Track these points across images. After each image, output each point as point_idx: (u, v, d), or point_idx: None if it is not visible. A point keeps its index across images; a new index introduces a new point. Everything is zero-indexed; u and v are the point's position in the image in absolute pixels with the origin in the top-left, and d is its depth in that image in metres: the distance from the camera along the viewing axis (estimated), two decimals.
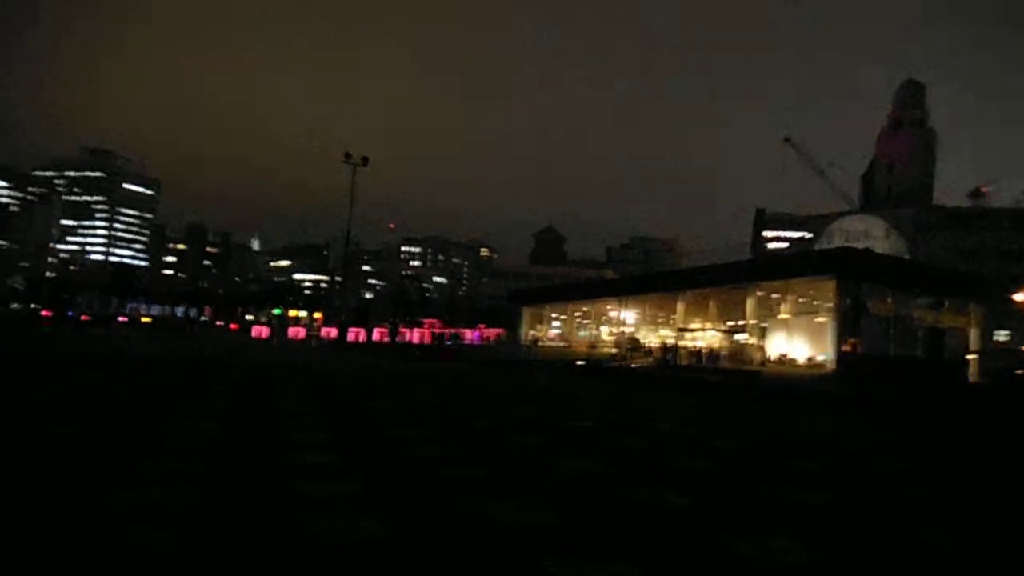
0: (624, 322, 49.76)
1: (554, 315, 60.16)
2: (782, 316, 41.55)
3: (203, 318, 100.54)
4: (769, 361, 38.06)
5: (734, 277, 38.89)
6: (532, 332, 57.83)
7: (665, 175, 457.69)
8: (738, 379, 27.79)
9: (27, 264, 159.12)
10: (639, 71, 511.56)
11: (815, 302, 40.54)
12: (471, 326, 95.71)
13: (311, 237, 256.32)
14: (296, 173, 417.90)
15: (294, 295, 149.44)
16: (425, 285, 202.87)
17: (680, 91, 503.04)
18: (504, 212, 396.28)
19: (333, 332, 55.35)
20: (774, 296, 40.64)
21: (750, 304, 38.37)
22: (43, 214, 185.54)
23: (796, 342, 40.52)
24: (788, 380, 28.11)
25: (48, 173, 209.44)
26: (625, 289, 45.11)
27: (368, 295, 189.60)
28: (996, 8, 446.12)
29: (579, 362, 34.70)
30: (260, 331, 49.90)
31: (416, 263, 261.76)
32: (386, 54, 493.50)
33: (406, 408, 11.40)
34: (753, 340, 40.81)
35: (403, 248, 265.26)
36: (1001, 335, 62.46)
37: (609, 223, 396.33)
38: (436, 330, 60.49)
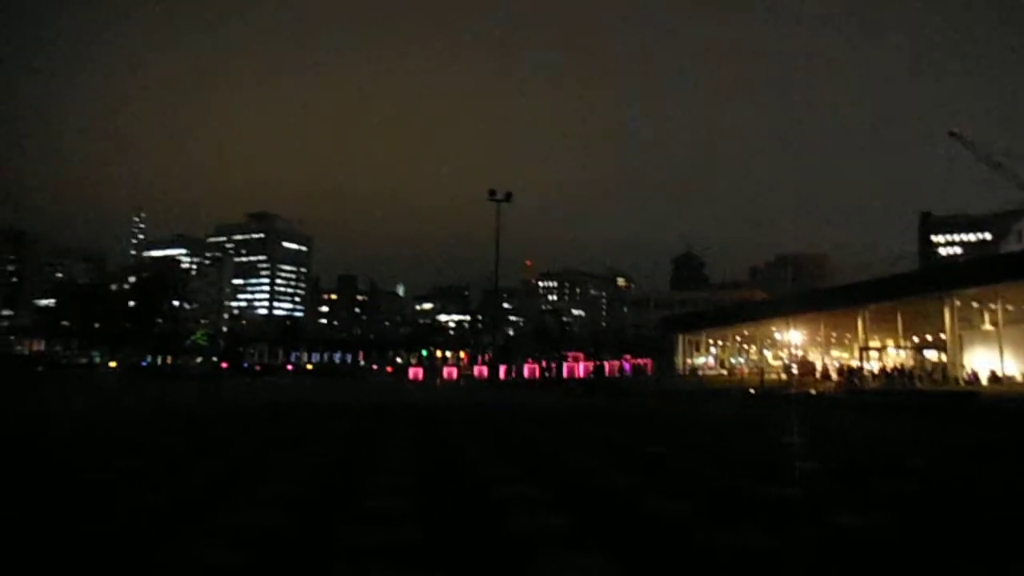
0: (792, 344, 45.76)
1: (711, 341, 56.74)
2: (986, 327, 36.22)
3: (361, 363, 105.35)
4: (968, 381, 33.13)
5: (924, 286, 34.40)
6: (690, 360, 54.74)
7: (811, 186, 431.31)
8: (947, 401, 24.10)
9: (206, 321, 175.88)
10: (773, 78, 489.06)
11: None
12: (616, 357, 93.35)
13: (453, 279, 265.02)
14: (436, 217, 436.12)
15: (440, 336, 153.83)
16: (564, 319, 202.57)
17: (822, 86, 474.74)
18: (639, 240, 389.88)
19: (484, 371, 55.43)
20: (974, 305, 35.51)
21: (948, 316, 33.68)
22: (217, 276, 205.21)
23: (1007, 357, 35.08)
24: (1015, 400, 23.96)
25: (219, 238, 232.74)
26: (794, 307, 41.29)
27: (510, 331, 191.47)
28: None
29: (751, 390, 31.86)
30: (416, 373, 50.81)
31: (553, 297, 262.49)
32: (511, 92, 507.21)
33: (627, 461, 10.02)
34: (945, 357, 35.92)
35: (540, 284, 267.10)
36: None
37: (750, 243, 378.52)
38: (588, 363, 58.84)
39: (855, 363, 41.94)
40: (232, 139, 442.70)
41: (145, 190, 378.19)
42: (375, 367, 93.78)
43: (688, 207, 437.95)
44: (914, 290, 34.98)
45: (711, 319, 56.43)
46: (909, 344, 37.90)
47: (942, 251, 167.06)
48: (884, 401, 25.25)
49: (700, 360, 56.58)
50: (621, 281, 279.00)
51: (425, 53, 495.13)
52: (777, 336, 48.58)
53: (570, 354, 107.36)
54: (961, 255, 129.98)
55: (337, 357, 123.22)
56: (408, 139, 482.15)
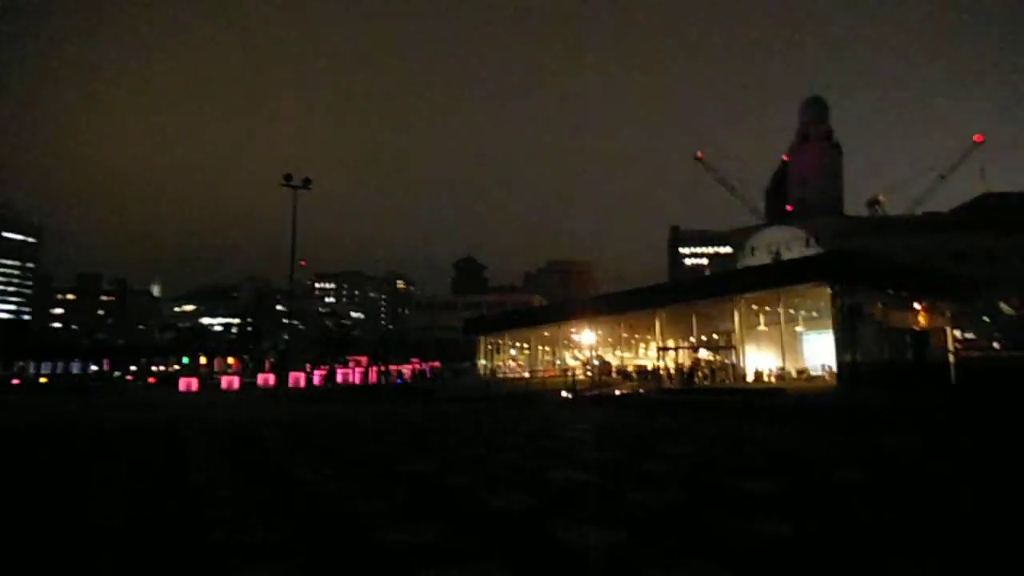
0: (593, 346, 47.09)
1: (513, 342, 56.80)
2: (760, 328, 39.89)
3: (116, 373, 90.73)
4: (743, 378, 36.31)
5: (717, 289, 37.04)
6: (488, 362, 54.18)
7: (578, 199, 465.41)
8: (763, 399, 25.43)
9: None
10: (546, 96, 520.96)
11: (792, 311, 39.11)
12: (405, 361, 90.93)
13: (217, 279, 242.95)
14: (197, 213, 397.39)
15: (205, 341, 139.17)
16: (344, 321, 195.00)
17: (589, 113, 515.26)
18: (418, 244, 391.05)
19: (271, 379, 49.90)
20: (753, 307, 38.94)
21: (736, 317, 36.48)
22: None
23: (768, 355, 39.08)
24: (805, 395, 26.08)
25: None
26: (594, 309, 42.39)
27: (284, 336, 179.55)
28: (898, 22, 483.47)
29: (564, 393, 31.50)
30: (189, 383, 43.95)
31: (330, 299, 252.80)
32: (285, 80, 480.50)
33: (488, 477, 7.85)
34: (734, 356, 39.12)
35: (316, 284, 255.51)
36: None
37: (525, 249, 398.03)
38: (384, 367, 55.84)
39: (650, 364, 44.17)
40: None
41: None
42: (130, 378, 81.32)
43: (463, 214, 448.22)
44: (707, 293, 37.55)
45: (513, 321, 56.64)
46: (704, 344, 40.54)
47: (687, 262, 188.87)
48: (710, 400, 25.85)
49: (501, 363, 56.44)
50: (400, 284, 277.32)
51: (201, 32, 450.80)
52: (575, 337, 49.74)
53: (353, 358, 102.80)
54: (706, 266, 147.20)
55: (76, 367, 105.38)
56: (170, 122, 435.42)
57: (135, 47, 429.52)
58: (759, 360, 38.91)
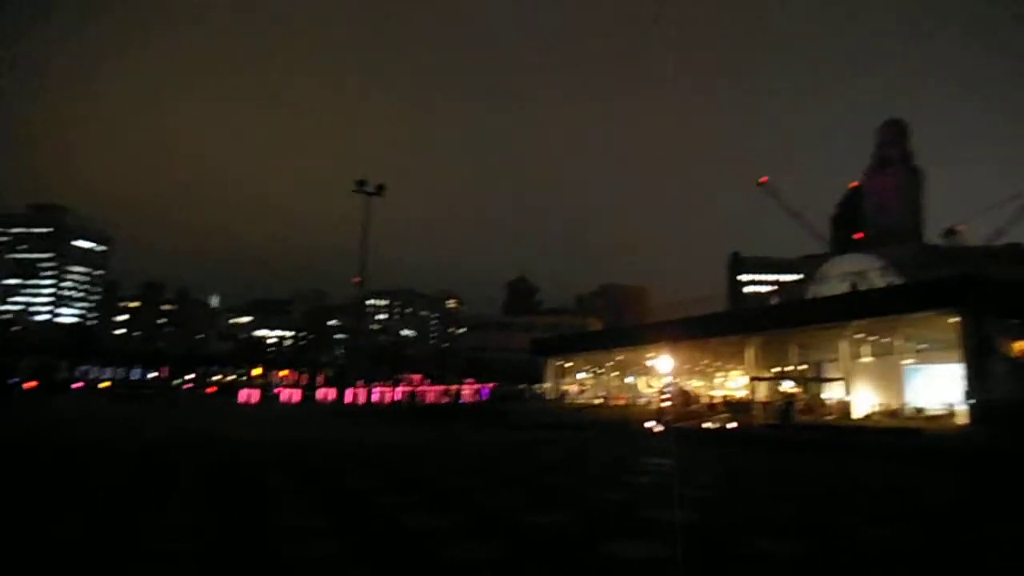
0: (671, 373, 43.86)
1: (584, 366, 53.88)
2: (863, 360, 36.12)
3: (175, 381, 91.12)
4: (847, 415, 32.61)
5: (824, 316, 33.56)
6: (567, 387, 51.32)
7: (634, 224, 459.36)
8: (903, 440, 22.02)
9: None
10: (607, 117, 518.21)
11: (902, 342, 35.24)
12: (457, 381, 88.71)
13: (273, 292, 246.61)
14: (253, 227, 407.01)
15: (260, 352, 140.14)
16: (399, 338, 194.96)
17: (644, 136, 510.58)
18: (470, 264, 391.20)
19: (330, 394, 48.21)
20: (856, 337, 35.23)
21: (844, 347, 32.94)
22: None
23: (865, 389, 35.28)
24: (942, 437, 22.49)
25: None
26: (678, 333, 39.28)
27: (337, 350, 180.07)
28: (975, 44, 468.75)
29: (649, 424, 28.52)
30: (249, 395, 42.52)
31: (383, 316, 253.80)
32: (342, 106, 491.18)
33: None
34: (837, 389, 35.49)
35: (368, 301, 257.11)
36: None
37: (578, 272, 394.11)
38: (456, 388, 53.63)
39: (741, 394, 40.68)
40: (18, 126, 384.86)
41: None
42: (188, 386, 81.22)
43: (515, 235, 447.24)
44: (808, 320, 34.11)
45: (586, 343, 53.71)
46: (807, 374, 36.90)
47: (747, 289, 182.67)
48: (835, 440, 22.50)
49: (568, 387, 53.55)
50: (451, 302, 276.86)
51: (256, 60, 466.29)
52: (650, 363, 46.60)
53: (414, 376, 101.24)
54: (771, 294, 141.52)
55: (137, 373, 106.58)
56: (234, 143, 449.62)
57: (203, 57, 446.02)
58: (854, 395, 35.21)
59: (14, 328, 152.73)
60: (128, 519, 6.57)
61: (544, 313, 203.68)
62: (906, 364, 34.94)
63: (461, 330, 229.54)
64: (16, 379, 60.11)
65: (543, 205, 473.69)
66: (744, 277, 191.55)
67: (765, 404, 34.98)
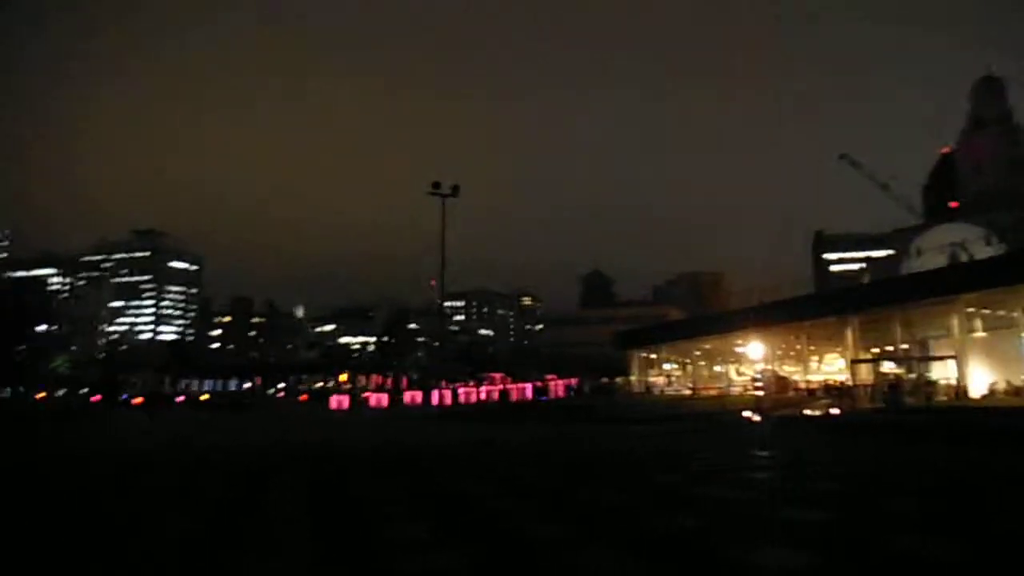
0: (763, 360, 42.22)
1: (669, 357, 52.66)
2: (977, 335, 33.58)
3: (269, 391, 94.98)
4: (965, 395, 30.25)
5: (932, 289, 31.37)
6: (654, 378, 50.29)
7: (709, 207, 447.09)
8: None
9: (76, 348, 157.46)
10: (668, 93, 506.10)
11: (1017, 315, 32.58)
12: (539, 377, 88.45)
13: (354, 300, 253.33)
14: (335, 237, 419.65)
15: (351, 359, 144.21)
16: (480, 338, 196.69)
17: (714, 115, 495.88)
18: (544, 260, 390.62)
19: (417, 397, 48.87)
20: (969, 311, 32.76)
21: (957, 323, 30.73)
22: (93, 298, 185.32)
23: (980, 367, 32.72)
24: None
25: (96, 257, 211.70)
26: (768, 318, 37.61)
27: (419, 353, 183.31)
28: None
29: (747, 413, 27.34)
30: (340, 401, 43.65)
31: (460, 317, 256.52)
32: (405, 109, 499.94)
33: None
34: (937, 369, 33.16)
35: (446, 303, 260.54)
36: None
37: (654, 262, 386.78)
38: (543, 384, 53.52)
39: (840, 378, 38.70)
40: (119, 154, 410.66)
41: (11, 206, 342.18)
42: (281, 395, 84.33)
43: (587, 229, 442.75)
44: (917, 294, 31.92)
45: (670, 332, 52.43)
46: (910, 353, 34.71)
47: (833, 268, 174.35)
48: (964, 423, 20.85)
49: (653, 378, 52.43)
50: (527, 300, 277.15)
51: (323, 69, 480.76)
52: (741, 350, 45.01)
53: (494, 375, 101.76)
54: (862, 272, 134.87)
55: (233, 384, 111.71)
56: (305, 157, 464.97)
57: (279, 67, 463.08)
58: (969, 373, 32.72)
59: (122, 347, 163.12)
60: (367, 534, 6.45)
61: (621, 305, 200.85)
62: None
63: (539, 327, 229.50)
64: (126, 395, 64.04)
65: (614, 197, 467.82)
66: (830, 256, 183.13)
67: (868, 387, 33.11)
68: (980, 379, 32.36)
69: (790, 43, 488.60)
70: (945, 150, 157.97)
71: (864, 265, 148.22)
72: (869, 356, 34.91)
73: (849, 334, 34.13)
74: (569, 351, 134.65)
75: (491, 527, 6.56)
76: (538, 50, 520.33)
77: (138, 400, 60.53)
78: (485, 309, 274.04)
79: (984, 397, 29.64)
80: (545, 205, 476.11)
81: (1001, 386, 30.59)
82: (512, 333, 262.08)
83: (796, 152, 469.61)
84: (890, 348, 41.47)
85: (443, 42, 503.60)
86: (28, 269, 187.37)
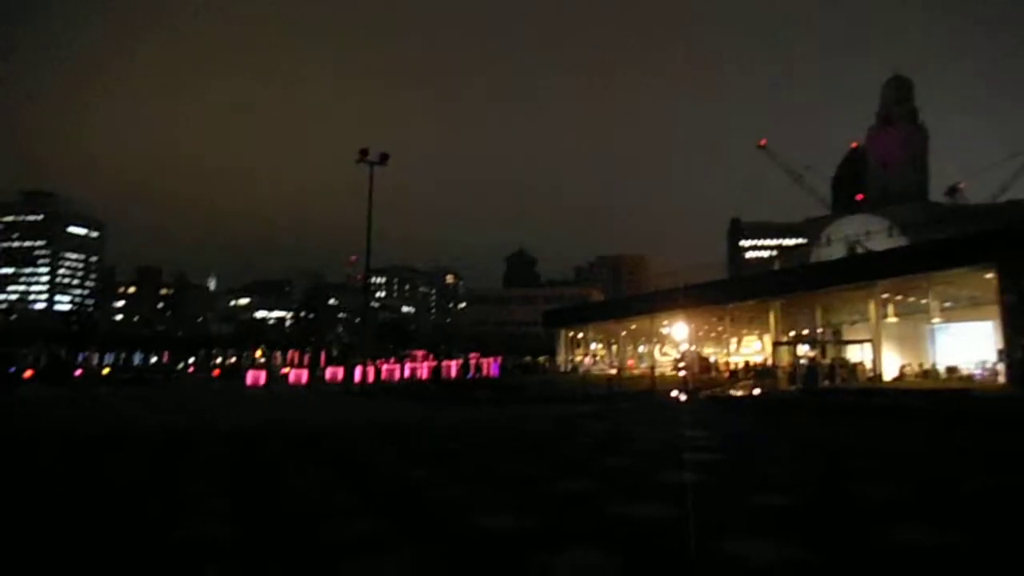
0: (687, 341, 42.99)
1: (596, 336, 52.91)
2: (889, 320, 35.11)
3: (179, 365, 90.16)
4: (879, 378, 31.71)
5: (850, 275, 32.46)
6: (579, 358, 50.38)
7: (627, 192, 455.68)
8: (948, 405, 20.94)
9: None
10: (596, 77, 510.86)
11: (926, 300, 34.22)
12: (462, 356, 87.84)
13: (269, 273, 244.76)
14: (249, 207, 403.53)
15: (267, 334, 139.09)
16: (402, 314, 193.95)
17: (637, 99, 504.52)
18: (465, 237, 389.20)
19: (339, 374, 47.23)
20: (883, 296, 34.17)
21: (872, 307, 31.91)
22: None
23: (891, 352, 34.39)
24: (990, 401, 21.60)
25: None
26: (694, 300, 38.20)
27: (339, 329, 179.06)
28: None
29: (675, 393, 27.58)
30: (256, 377, 41.56)
31: (382, 294, 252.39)
32: (328, 76, 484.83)
33: None
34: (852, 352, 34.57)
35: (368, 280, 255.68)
36: None
37: (576, 245, 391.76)
38: (476, 361, 52.74)
39: (757, 359, 39.79)
40: (7, 112, 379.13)
41: None
42: (191, 370, 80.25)
43: (509, 208, 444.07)
44: (833, 280, 33.00)
45: (597, 312, 52.63)
46: (826, 337, 35.94)
47: (748, 255, 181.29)
48: (886, 403, 21.37)
49: (580, 358, 52.66)
50: (449, 277, 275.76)
51: (251, 38, 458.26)
52: (664, 331, 45.71)
53: (418, 352, 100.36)
54: (773, 259, 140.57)
55: (138, 358, 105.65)
56: (223, 126, 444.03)
57: (195, 38, 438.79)
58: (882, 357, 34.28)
59: (12, 317, 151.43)
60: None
61: (544, 285, 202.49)
62: (935, 324, 34.01)
63: (461, 305, 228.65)
64: (13, 369, 58.91)
65: (538, 179, 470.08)
66: (745, 243, 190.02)
67: (788, 369, 34.11)
68: (892, 363, 33.88)
69: (721, 32, 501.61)
70: (854, 145, 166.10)
71: (775, 252, 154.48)
72: (787, 339, 36.00)
73: (772, 317, 35.09)
74: (492, 329, 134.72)
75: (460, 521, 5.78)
76: (480, 30, 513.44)
77: (29, 373, 55.81)
78: (407, 286, 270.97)
79: (895, 379, 31.03)
80: (470, 183, 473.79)
81: (911, 369, 32.12)
82: (434, 311, 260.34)
83: (719, 141, 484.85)
84: (805, 332, 42.99)
85: (381, 17, 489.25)
86: None
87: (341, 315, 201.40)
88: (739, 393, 30.24)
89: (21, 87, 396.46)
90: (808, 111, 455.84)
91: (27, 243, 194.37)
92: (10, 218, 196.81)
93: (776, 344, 34.91)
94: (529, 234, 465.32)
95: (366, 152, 33.86)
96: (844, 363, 32.32)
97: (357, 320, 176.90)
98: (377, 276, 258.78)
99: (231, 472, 8.72)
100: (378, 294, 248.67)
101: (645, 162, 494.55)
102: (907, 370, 32.15)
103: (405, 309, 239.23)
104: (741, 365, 39.59)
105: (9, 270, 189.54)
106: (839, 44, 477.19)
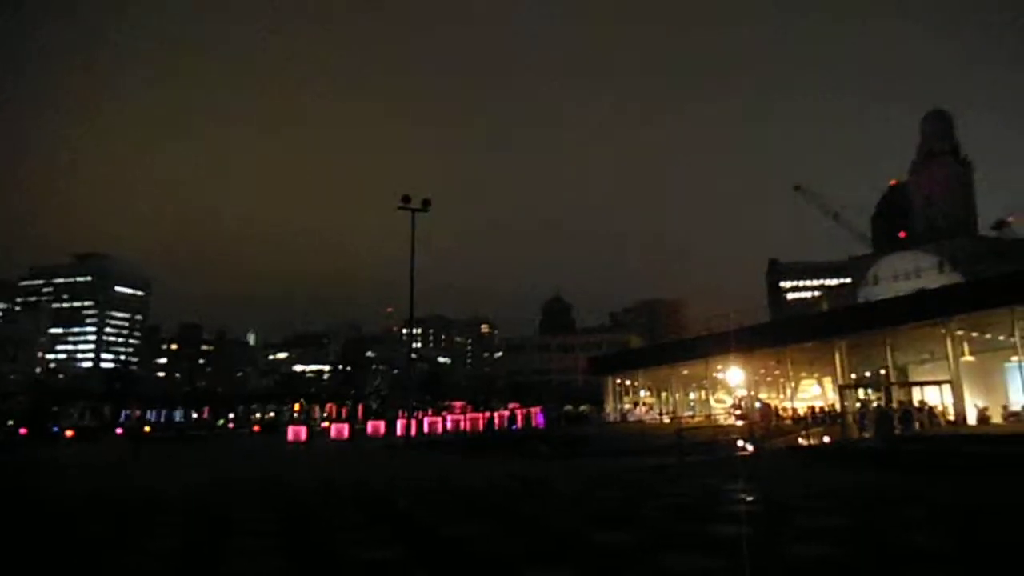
0: (743, 386, 41.04)
1: (647, 383, 50.95)
2: (965, 358, 32.77)
3: (219, 421, 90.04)
4: (963, 422, 29.32)
5: (925, 312, 30.40)
6: (635, 407, 48.46)
7: (666, 240, 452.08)
8: None
9: (13, 377, 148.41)
10: (631, 119, 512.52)
11: (1001, 337, 31.93)
12: (503, 406, 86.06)
13: (308, 327, 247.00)
14: (288, 264, 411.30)
15: (300, 387, 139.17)
16: (439, 364, 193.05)
17: (671, 142, 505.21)
18: (501, 288, 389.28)
19: (381, 427, 46.06)
20: (958, 334, 31.92)
21: (949, 346, 29.77)
22: (30, 324, 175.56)
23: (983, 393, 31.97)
24: None
25: (37, 282, 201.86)
26: (750, 342, 36.39)
27: (376, 380, 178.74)
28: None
29: (741, 443, 25.84)
30: (298, 432, 40.67)
31: (417, 344, 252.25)
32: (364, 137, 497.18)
33: None
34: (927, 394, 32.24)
35: (404, 331, 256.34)
36: None
37: (611, 291, 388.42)
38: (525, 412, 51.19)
39: (818, 404, 37.62)
40: (59, 177, 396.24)
41: None
42: (232, 426, 79.83)
43: (543, 257, 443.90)
44: (907, 316, 30.99)
45: (648, 358, 50.81)
46: (896, 378, 33.66)
47: (790, 296, 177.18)
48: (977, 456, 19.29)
49: (628, 406, 50.69)
50: (484, 327, 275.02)
51: (281, 90, 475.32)
52: (719, 376, 43.75)
53: (455, 404, 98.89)
54: (816, 299, 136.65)
55: (179, 415, 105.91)
56: (261, 181, 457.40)
57: (224, 96, 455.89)
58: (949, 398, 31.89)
59: (59, 376, 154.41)
60: None
61: (581, 332, 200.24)
62: (1015, 361, 31.64)
63: (498, 354, 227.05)
64: (56, 427, 59.02)
65: (571, 226, 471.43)
66: (785, 284, 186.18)
67: (855, 415, 31.96)
68: (969, 405, 31.51)
69: (743, 72, 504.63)
70: (893, 182, 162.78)
71: (818, 293, 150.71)
72: (853, 382, 33.86)
73: (837, 358, 33.06)
74: (530, 379, 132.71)
75: None
76: (506, 69, 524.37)
77: (70, 433, 55.66)
78: (442, 336, 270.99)
79: (979, 424, 28.69)
80: (505, 233, 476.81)
81: (993, 411, 29.69)
82: (470, 360, 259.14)
83: (749, 181, 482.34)
84: (867, 374, 40.68)
85: (394, 65, 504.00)
86: None
87: (378, 367, 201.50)
88: (809, 442, 28.32)
89: (74, 152, 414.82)
90: (841, 148, 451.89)
91: (76, 303, 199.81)
92: (60, 280, 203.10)
93: (842, 388, 32.79)
94: (561, 282, 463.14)
95: (408, 199, 33.41)
96: (922, 407, 30.02)
97: (394, 372, 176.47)
98: (414, 327, 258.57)
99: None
100: (415, 344, 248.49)
101: (682, 210, 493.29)
102: (987, 413, 29.73)
103: (441, 360, 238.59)
104: (802, 411, 37.41)
105: (59, 330, 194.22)
106: (873, 81, 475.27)
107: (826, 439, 28.89)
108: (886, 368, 33.40)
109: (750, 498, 11.28)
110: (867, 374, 40.87)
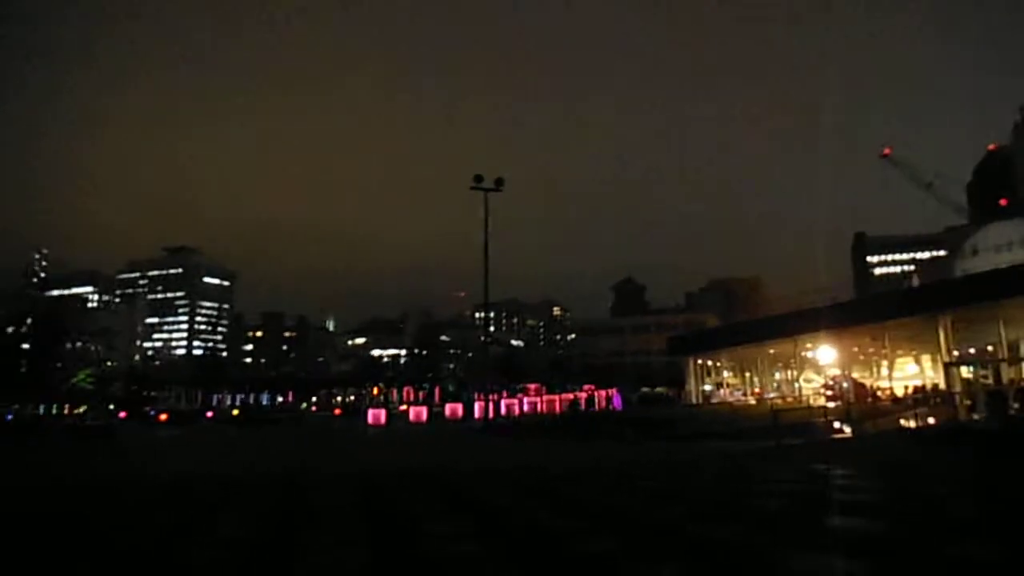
0: (834, 365, 38.91)
1: (729, 363, 49.20)
2: None
3: (303, 405, 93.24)
4: None
5: None
6: (700, 387, 46.94)
7: (743, 212, 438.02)
8: None
9: (113, 363, 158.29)
10: (706, 91, 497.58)
11: None
12: (577, 387, 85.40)
13: (385, 312, 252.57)
14: (365, 249, 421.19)
15: (379, 372, 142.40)
16: (512, 347, 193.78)
17: (747, 118, 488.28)
18: (570, 269, 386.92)
19: (459, 410, 46.32)
20: None
21: None
22: (127, 314, 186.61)
23: None
24: None
25: (132, 275, 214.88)
26: (843, 319, 34.28)
27: (450, 365, 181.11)
28: None
29: (839, 424, 24.31)
30: (377, 415, 41.34)
31: (491, 328, 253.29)
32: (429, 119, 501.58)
33: None
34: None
35: (476, 315, 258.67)
36: None
37: (687, 268, 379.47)
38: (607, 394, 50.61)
39: (916, 383, 35.25)
40: (150, 173, 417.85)
41: (50, 229, 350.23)
42: (315, 408, 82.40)
43: (615, 236, 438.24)
44: (1019, 289, 28.32)
45: (731, 337, 48.88)
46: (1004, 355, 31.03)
47: (878, 271, 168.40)
48: None
49: (710, 387, 49.10)
50: (556, 310, 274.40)
51: (359, 84, 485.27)
52: (809, 355, 41.65)
53: (529, 386, 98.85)
54: (911, 274, 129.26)
55: (265, 399, 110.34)
56: (333, 169, 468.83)
57: (310, 82, 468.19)
58: None
59: (155, 363, 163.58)
60: None
61: (655, 313, 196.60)
62: None
63: (570, 336, 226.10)
64: (152, 411, 62.35)
65: (642, 207, 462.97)
66: (872, 259, 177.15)
67: (963, 394, 29.64)
68: None
69: (825, 42, 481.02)
70: (992, 147, 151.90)
71: (912, 267, 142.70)
72: (958, 358, 31.39)
73: (941, 334, 30.65)
74: (604, 360, 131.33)
75: None
76: (567, 57, 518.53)
77: (163, 416, 58.65)
78: (515, 319, 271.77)
79: None
80: (576, 214, 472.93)
81: None
82: (542, 343, 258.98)
83: (829, 153, 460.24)
84: (972, 351, 37.95)
85: (452, 56, 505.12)
86: (66, 287, 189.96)
87: (453, 351, 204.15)
88: (912, 424, 26.44)
89: (165, 155, 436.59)
90: (930, 115, 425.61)
91: (169, 295, 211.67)
92: (155, 272, 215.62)
93: (948, 365, 30.41)
94: (635, 260, 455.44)
95: (481, 179, 33.01)
96: None
97: (469, 355, 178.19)
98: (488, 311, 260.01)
99: None
100: (488, 328, 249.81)
101: (757, 181, 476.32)
102: None
103: (514, 343, 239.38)
104: (900, 391, 35.12)
105: (155, 319, 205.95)
106: (965, 51, 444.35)
107: (931, 420, 26.91)
108: (995, 344, 30.77)
109: (870, 485, 10.26)
110: (971, 351, 38.13)
